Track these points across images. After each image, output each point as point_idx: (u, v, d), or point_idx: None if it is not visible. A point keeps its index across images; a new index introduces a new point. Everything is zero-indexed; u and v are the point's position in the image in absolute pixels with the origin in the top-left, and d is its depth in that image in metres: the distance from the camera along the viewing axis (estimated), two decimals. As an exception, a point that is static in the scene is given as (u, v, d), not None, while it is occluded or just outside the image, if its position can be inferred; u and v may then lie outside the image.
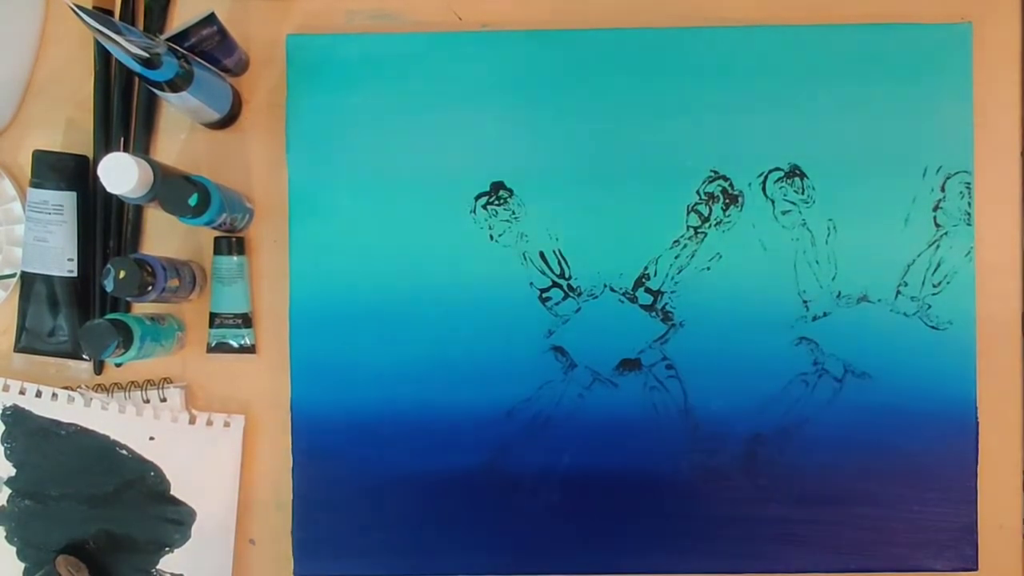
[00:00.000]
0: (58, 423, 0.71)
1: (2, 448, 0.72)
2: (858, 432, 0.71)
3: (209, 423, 0.72)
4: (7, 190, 0.73)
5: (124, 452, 0.71)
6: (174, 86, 0.62)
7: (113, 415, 0.71)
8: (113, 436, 0.71)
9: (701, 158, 0.71)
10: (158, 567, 0.72)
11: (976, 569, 0.71)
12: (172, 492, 0.72)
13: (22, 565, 0.71)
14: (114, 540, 0.71)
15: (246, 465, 0.73)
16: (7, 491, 0.72)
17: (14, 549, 0.72)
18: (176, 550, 0.72)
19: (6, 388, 0.72)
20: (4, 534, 0.72)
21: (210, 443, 0.72)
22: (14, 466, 0.71)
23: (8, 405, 0.71)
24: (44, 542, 0.71)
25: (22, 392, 0.71)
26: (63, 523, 0.71)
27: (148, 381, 0.72)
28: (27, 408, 0.71)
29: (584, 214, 0.71)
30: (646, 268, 0.71)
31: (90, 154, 0.73)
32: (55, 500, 0.71)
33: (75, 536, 0.71)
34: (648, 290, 0.71)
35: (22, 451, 0.71)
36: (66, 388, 0.72)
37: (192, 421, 0.72)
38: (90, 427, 0.71)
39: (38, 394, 0.71)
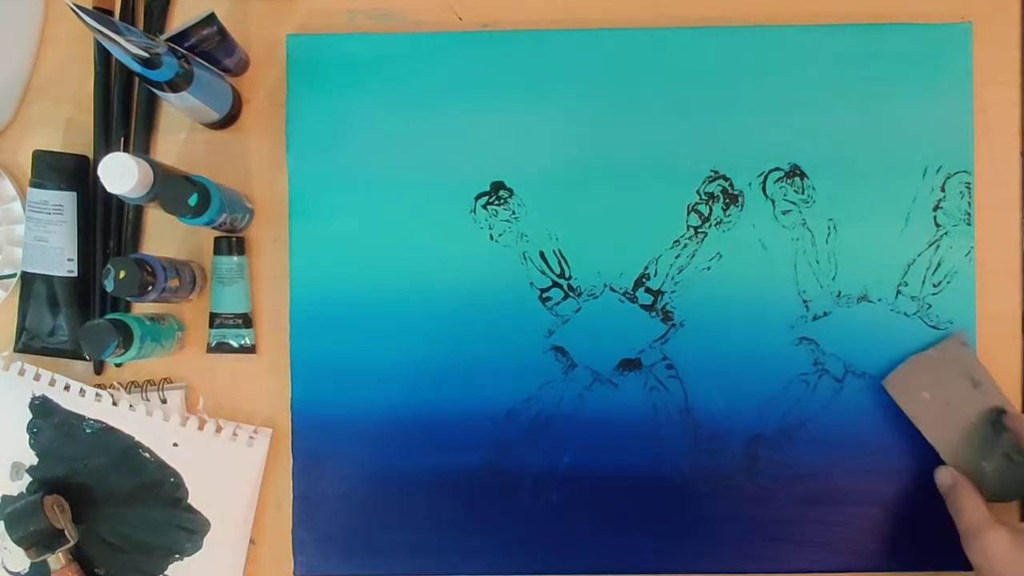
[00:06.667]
0: (83, 418, 0.71)
1: (27, 436, 0.71)
2: (858, 432, 0.71)
3: (234, 435, 0.71)
4: (7, 190, 0.73)
5: (147, 455, 0.71)
6: (174, 86, 0.62)
7: (140, 417, 0.71)
8: (138, 438, 0.71)
9: (701, 158, 0.71)
10: (166, 573, 0.71)
11: (976, 569, 0.71)
12: (189, 500, 0.71)
13: None
14: (125, 540, 0.71)
15: (246, 465, 0.73)
16: (27, 479, 0.71)
17: None
18: (186, 559, 0.71)
19: (37, 377, 0.71)
20: None
21: (233, 456, 0.71)
22: (37, 455, 0.71)
23: (37, 395, 0.71)
24: None
25: (52, 383, 0.71)
26: (76, 517, 0.70)
27: (148, 381, 0.72)
28: (55, 400, 0.71)
29: (584, 214, 0.71)
30: (646, 268, 0.71)
31: (90, 154, 0.73)
32: (71, 493, 0.71)
33: (87, 531, 0.71)
34: (648, 290, 0.71)
35: (46, 441, 0.71)
36: (98, 386, 0.72)
37: (218, 431, 0.72)
38: (116, 426, 0.71)
39: (67, 387, 0.71)
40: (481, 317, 0.71)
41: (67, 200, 0.71)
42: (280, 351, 0.72)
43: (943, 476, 0.68)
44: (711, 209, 0.71)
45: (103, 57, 0.72)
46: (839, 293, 0.71)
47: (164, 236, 0.73)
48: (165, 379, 0.73)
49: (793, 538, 0.71)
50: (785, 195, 0.71)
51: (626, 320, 0.71)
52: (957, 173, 0.71)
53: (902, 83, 0.71)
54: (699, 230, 0.71)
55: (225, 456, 0.71)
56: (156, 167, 0.63)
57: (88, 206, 0.72)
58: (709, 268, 0.71)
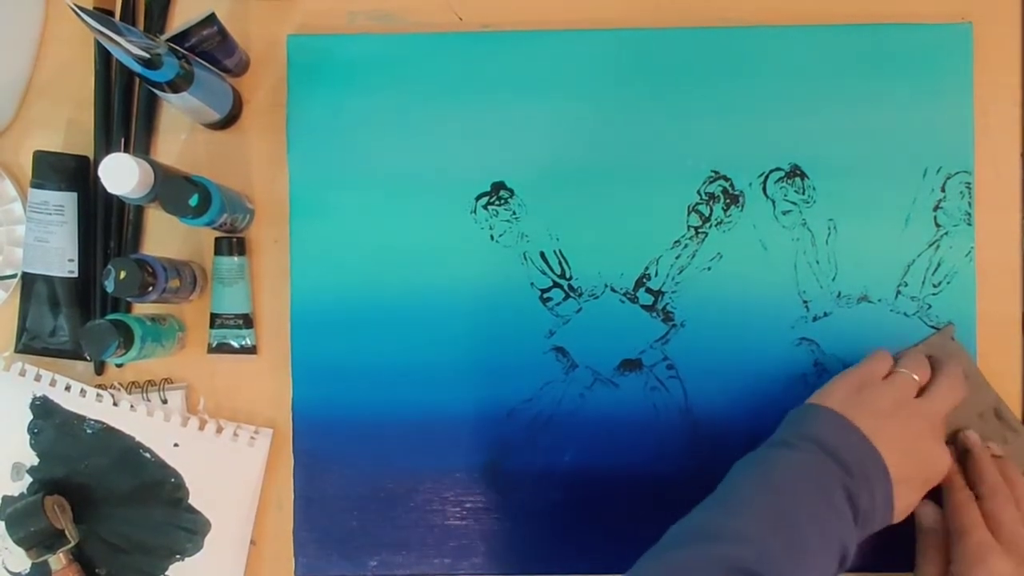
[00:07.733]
0: (84, 418, 0.71)
1: (28, 437, 0.71)
2: (858, 432, 0.71)
3: (235, 435, 0.71)
4: (8, 190, 0.73)
5: (148, 455, 0.71)
6: (174, 86, 0.62)
7: (141, 417, 0.71)
8: (138, 438, 0.71)
9: (702, 158, 0.71)
10: (167, 573, 0.71)
11: (976, 569, 0.71)
12: (190, 501, 0.71)
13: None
14: (126, 540, 0.71)
15: (247, 465, 0.73)
16: (28, 479, 0.71)
17: None
18: (187, 559, 0.71)
19: (38, 378, 0.71)
20: None
21: (234, 456, 0.71)
22: (37, 455, 0.71)
23: (38, 395, 0.71)
24: None
25: (52, 384, 0.71)
26: (76, 517, 0.70)
27: (149, 382, 0.72)
28: (56, 400, 0.71)
29: (585, 214, 0.71)
30: (647, 268, 0.71)
31: (91, 154, 0.73)
32: (72, 493, 0.71)
33: (87, 531, 0.71)
34: (649, 290, 0.71)
35: (47, 442, 0.71)
36: (99, 386, 0.72)
37: (219, 431, 0.72)
38: (116, 426, 0.71)
39: (67, 388, 0.71)
40: (482, 317, 0.71)
41: (68, 200, 0.71)
42: (281, 352, 0.72)
43: (927, 513, 0.65)
44: (711, 209, 0.71)
45: (103, 57, 0.72)
46: (839, 293, 0.71)
47: (164, 236, 0.73)
48: (166, 379, 0.73)
49: (793, 538, 0.71)
50: (785, 195, 0.71)
51: (627, 320, 0.71)
52: (957, 173, 0.71)
53: (902, 83, 0.71)
54: (699, 230, 0.71)
55: (226, 456, 0.71)
56: (156, 167, 0.63)
57: (89, 206, 0.72)
58: (710, 268, 0.71)
